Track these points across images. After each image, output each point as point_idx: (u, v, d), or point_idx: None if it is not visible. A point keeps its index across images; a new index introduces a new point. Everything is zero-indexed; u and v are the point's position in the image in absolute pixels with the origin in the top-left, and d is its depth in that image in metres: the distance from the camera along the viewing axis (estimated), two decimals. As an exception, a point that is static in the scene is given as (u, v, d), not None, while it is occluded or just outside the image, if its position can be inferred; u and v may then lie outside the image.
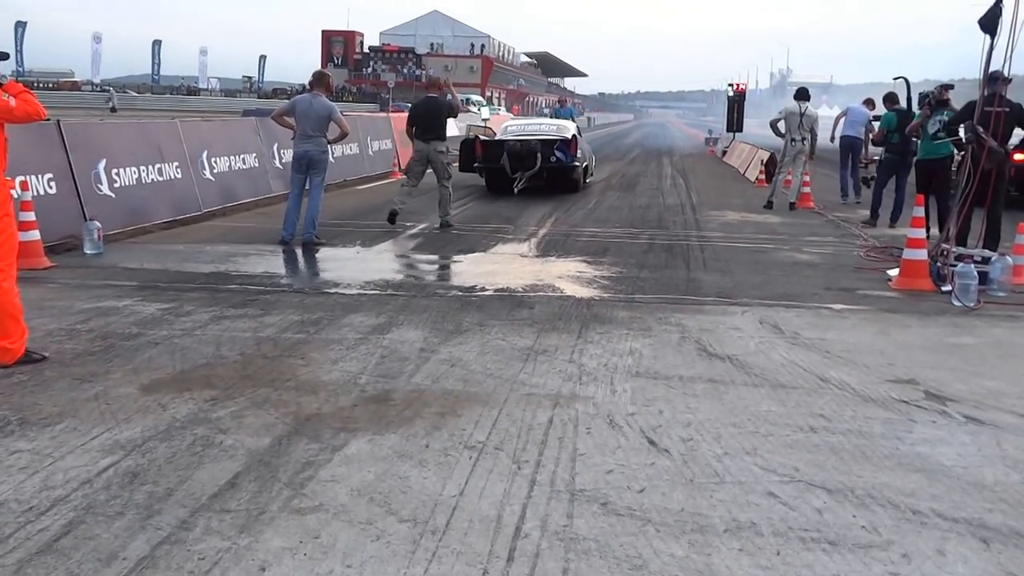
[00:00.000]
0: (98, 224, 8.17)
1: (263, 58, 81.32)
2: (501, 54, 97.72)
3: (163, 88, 75.65)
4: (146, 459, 3.50)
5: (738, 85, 29.24)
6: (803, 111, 12.91)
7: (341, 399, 4.25)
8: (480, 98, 58.25)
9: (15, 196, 6.08)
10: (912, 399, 4.41)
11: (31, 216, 7.36)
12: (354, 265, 8.03)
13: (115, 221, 8.98)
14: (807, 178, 13.32)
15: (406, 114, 11.27)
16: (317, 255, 8.59)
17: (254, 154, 12.48)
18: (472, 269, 7.91)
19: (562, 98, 27.48)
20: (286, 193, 9.92)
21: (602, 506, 3.16)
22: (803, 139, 12.95)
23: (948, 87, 9.36)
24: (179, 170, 10.48)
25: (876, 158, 12.76)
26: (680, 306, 6.39)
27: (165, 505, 3.10)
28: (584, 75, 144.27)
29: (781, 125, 13.20)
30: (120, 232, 9.00)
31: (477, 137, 14.79)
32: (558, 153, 13.97)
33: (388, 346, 5.19)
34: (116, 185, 9.28)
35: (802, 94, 13.23)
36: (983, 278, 6.87)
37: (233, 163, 11.84)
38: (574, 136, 14.45)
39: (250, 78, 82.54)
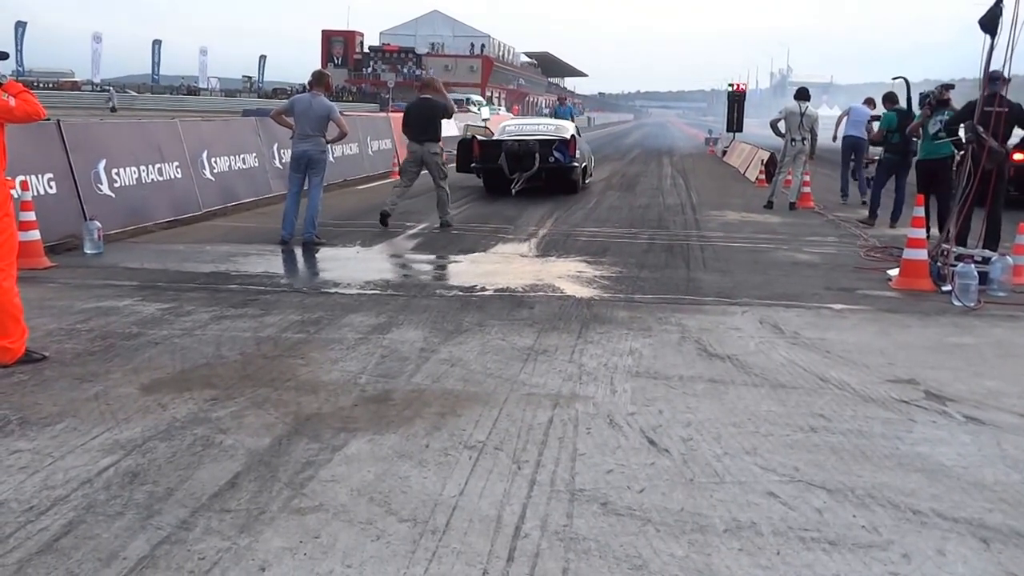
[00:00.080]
0: (98, 224, 8.17)
1: (263, 58, 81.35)
2: (501, 54, 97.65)
3: (163, 88, 75.65)
4: (146, 459, 3.50)
5: (738, 85, 29.24)
6: (803, 111, 12.91)
7: (341, 399, 4.25)
8: (480, 98, 58.21)
9: (15, 196, 6.08)
10: (912, 399, 4.41)
11: (31, 216, 7.36)
12: (354, 265, 8.03)
13: (115, 221, 8.98)
14: (807, 178, 13.32)
15: (405, 115, 11.26)
16: (317, 255, 8.59)
17: (254, 154, 12.48)
18: (472, 269, 7.91)
19: (561, 96, 27.43)
20: (286, 193, 9.92)
21: (602, 506, 3.16)
22: (803, 139, 12.95)
23: (949, 87, 9.36)
24: (179, 170, 10.48)
25: (876, 158, 12.76)
26: (680, 306, 6.39)
27: (165, 505, 3.10)
28: (584, 75, 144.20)
29: (781, 125, 13.20)
30: (120, 232, 9.00)
31: (475, 137, 14.64)
32: (556, 153, 13.85)
33: (388, 346, 5.19)
34: (116, 185, 9.28)
35: (802, 94, 13.23)
36: (983, 278, 6.88)
37: (233, 163, 11.84)
38: (573, 136, 14.34)
39: (250, 78, 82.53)
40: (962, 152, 8.14)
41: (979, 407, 4.31)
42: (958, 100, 9.22)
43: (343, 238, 9.40)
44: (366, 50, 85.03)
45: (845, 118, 14.74)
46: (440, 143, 10.39)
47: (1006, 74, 7.74)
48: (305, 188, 9.16)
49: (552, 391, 4.42)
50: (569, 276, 7.53)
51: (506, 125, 15.81)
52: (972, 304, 6.51)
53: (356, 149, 16.56)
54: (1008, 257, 7.18)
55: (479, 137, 14.74)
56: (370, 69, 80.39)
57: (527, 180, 13.84)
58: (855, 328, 5.86)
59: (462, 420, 3.98)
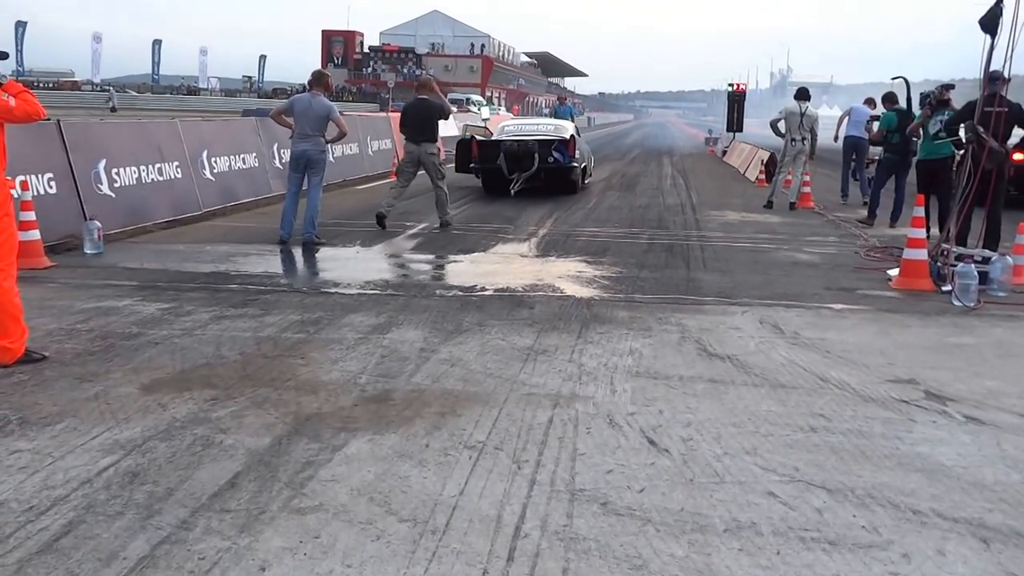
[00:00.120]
0: (98, 224, 8.17)
1: (263, 58, 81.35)
2: (501, 54, 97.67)
3: (163, 88, 75.64)
4: (146, 459, 3.50)
5: (738, 85, 29.23)
6: (803, 111, 12.91)
7: (341, 399, 4.25)
8: (480, 98, 58.20)
9: (15, 196, 6.08)
10: (912, 399, 4.41)
11: (31, 216, 7.36)
12: (354, 265, 8.03)
13: (115, 221, 8.98)
14: (807, 178, 13.32)
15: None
16: (317, 255, 8.59)
17: (254, 154, 12.48)
18: (472, 269, 7.91)
19: (561, 97, 27.42)
20: (285, 193, 9.91)
21: (602, 506, 3.16)
22: (803, 139, 12.95)
23: (949, 87, 9.36)
24: (179, 170, 10.48)
25: (876, 158, 12.77)
26: (680, 306, 6.39)
27: (165, 505, 3.10)
28: (584, 75, 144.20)
29: (781, 125, 13.20)
30: (120, 232, 9.00)
31: (473, 137, 14.54)
32: (556, 154, 13.78)
33: (388, 346, 5.19)
34: (116, 185, 9.28)
35: (802, 94, 13.23)
36: (983, 278, 6.88)
37: (233, 163, 11.84)
38: (572, 136, 14.27)
39: (250, 78, 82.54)
40: (962, 152, 8.14)
41: (979, 407, 4.31)
42: (958, 100, 9.23)
43: (343, 238, 9.40)
44: (366, 50, 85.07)
45: (846, 119, 14.73)
46: (437, 143, 10.38)
47: (1006, 74, 7.74)
48: (304, 188, 9.16)
49: (552, 391, 4.42)
50: (569, 276, 7.53)
51: (505, 125, 15.74)
52: (972, 304, 6.51)
53: (356, 149, 16.56)
54: (1008, 257, 7.17)
55: (478, 137, 14.65)
56: (370, 69, 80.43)
57: (526, 180, 13.77)
58: (855, 328, 5.86)
59: (462, 420, 3.98)
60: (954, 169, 8.74)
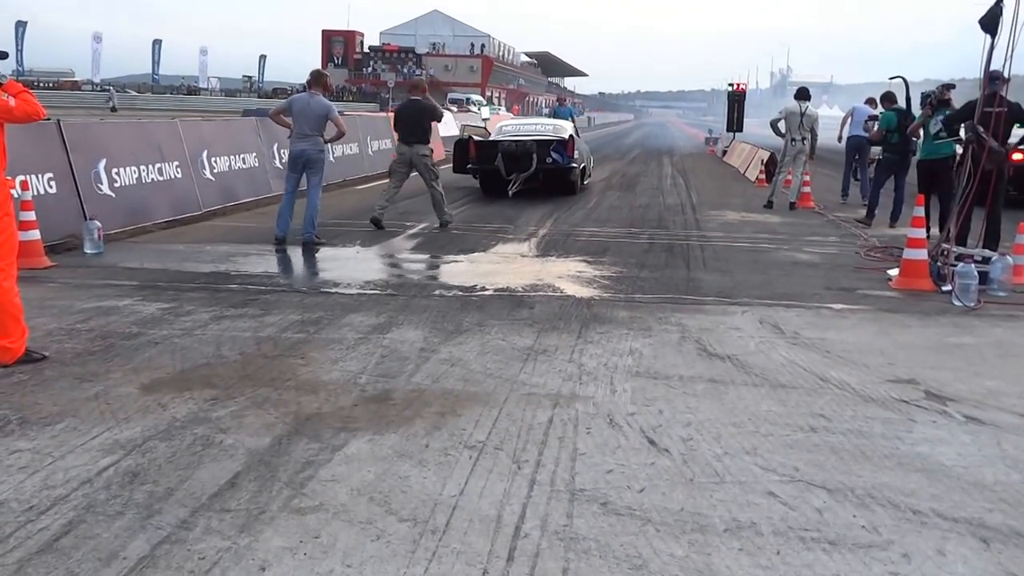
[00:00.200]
0: (98, 224, 8.18)
1: (263, 58, 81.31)
2: (501, 54, 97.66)
3: (163, 88, 75.61)
4: (146, 459, 3.50)
5: (738, 85, 29.23)
6: (803, 111, 12.91)
7: (341, 399, 4.25)
8: (480, 98, 58.22)
9: (15, 196, 6.08)
10: (912, 399, 4.41)
11: (31, 216, 7.36)
12: (354, 265, 8.03)
13: (115, 221, 8.98)
14: (807, 178, 13.32)
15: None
16: (317, 255, 8.59)
17: (254, 154, 12.49)
18: (472, 269, 7.91)
19: (561, 96, 27.40)
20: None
21: (602, 506, 3.16)
22: (803, 139, 12.95)
23: (950, 87, 9.36)
24: (179, 170, 10.48)
25: (876, 158, 12.77)
26: (680, 306, 6.39)
27: (165, 505, 3.10)
28: (584, 75, 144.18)
29: (781, 125, 13.20)
30: (120, 232, 9.01)
31: (471, 137, 14.39)
32: (554, 154, 13.67)
33: (388, 346, 5.19)
34: (116, 185, 9.29)
35: (802, 94, 13.23)
36: (983, 278, 6.88)
37: (233, 163, 11.85)
38: (571, 136, 14.15)
39: (250, 78, 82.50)
40: (962, 151, 8.14)
41: (979, 407, 4.31)
42: (958, 100, 9.23)
43: (343, 238, 9.40)
44: (366, 50, 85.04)
45: (850, 119, 14.71)
46: (429, 145, 10.37)
47: (1006, 74, 7.74)
48: (303, 188, 9.16)
49: (552, 391, 4.42)
50: (569, 276, 7.53)
51: (503, 125, 15.58)
52: (972, 304, 6.51)
53: (356, 149, 16.56)
54: (1008, 257, 7.18)
55: (475, 138, 14.50)
56: (370, 69, 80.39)
57: (524, 181, 13.65)
58: (855, 328, 5.86)
59: (462, 420, 3.98)
60: (954, 169, 8.74)
